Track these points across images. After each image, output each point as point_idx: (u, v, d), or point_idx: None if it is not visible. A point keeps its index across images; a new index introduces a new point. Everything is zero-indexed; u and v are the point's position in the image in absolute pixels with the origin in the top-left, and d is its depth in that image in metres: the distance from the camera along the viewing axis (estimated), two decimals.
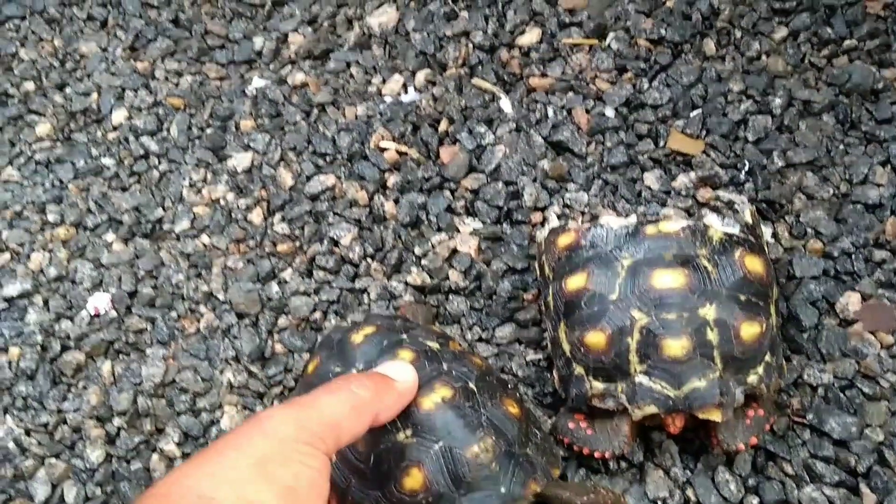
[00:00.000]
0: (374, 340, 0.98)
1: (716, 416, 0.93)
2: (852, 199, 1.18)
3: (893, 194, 1.16)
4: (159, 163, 1.39)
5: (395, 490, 0.87)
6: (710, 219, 1.01)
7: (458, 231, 1.24)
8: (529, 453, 0.91)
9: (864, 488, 0.97)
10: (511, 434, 0.90)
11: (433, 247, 1.22)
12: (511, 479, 0.87)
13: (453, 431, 0.87)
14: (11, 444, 1.14)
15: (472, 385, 0.92)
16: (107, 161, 1.40)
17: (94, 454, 1.12)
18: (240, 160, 1.35)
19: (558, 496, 0.91)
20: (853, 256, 1.13)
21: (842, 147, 1.22)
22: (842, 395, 1.03)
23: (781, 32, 1.33)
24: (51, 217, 1.35)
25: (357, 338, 0.99)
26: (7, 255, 1.33)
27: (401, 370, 0.88)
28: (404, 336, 0.99)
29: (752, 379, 0.94)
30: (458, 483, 0.86)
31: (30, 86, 1.52)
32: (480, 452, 0.87)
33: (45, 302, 1.27)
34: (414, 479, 0.86)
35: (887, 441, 0.99)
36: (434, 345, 0.98)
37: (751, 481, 1.00)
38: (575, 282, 1.00)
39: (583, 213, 1.21)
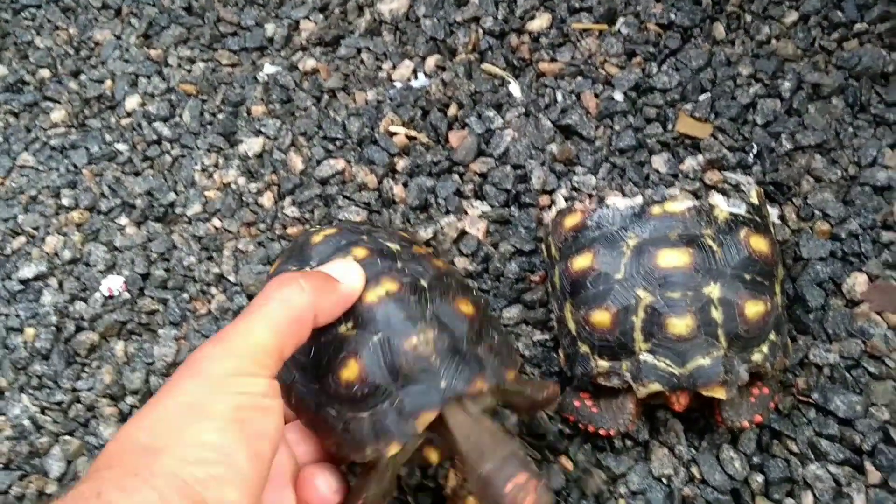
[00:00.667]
0: (332, 241, 0.95)
1: (720, 393, 0.93)
2: (860, 181, 1.18)
3: None
4: (172, 148, 1.40)
5: (331, 382, 0.83)
6: (716, 199, 1.02)
7: (467, 214, 1.25)
8: (479, 353, 0.86)
9: (868, 466, 0.97)
10: (459, 332, 0.85)
11: (441, 229, 1.23)
12: (453, 375, 0.82)
13: (393, 323, 0.83)
14: (27, 422, 1.16)
15: (423, 282, 0.88)
16: (120, 146, 1.42)
17: (108, 431, 1.14)
18: (251, 145, 1.36)
19: (520, 392, 0.90)
20: (860, 238, 1.13)
21: (850, 130, 1.22)
22: (847, 374, 1.03)
23: (792, 16, 1.33)
24: (65, 201, 1.37)
25: (316, 238, 0.97)
26: (23, 239, 1.35)
27: (346, 270, 0.84)
28: (364, 237, 0.95)
29: (756, 357, 0.95)
30: (395, 374, 0.81)
31: (45, 73, 1.54)
32: (419, 344, 0.82)
33: (60, 284, 1.29)
34: (350, 371, 0.82)
35: (893, 420, 1.00)
36: (394, 246, 0.94)
37: (755, 459, 1.00)
38: (581, 261, 1.01)
39: (590, 196, 1.21)
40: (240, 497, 0.64)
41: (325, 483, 0.81)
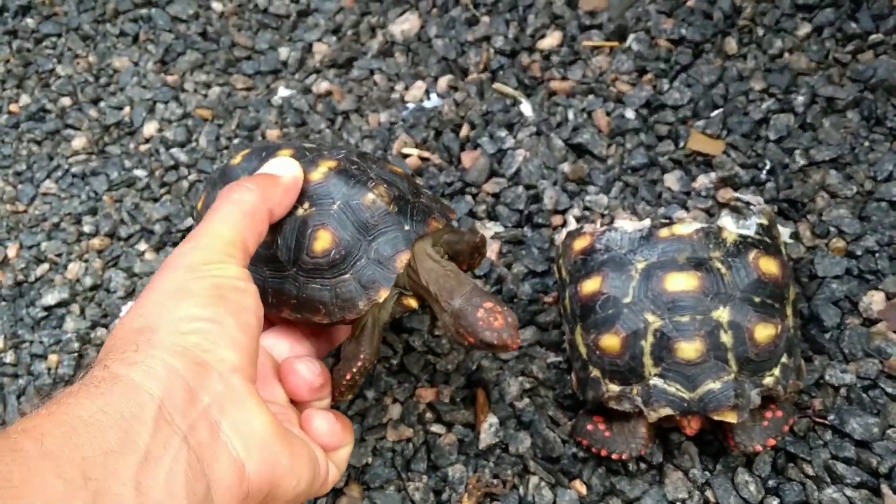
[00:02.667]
0: (253, 155, 1.00)
1: (731, 417, 0.93)
2: (876, 196, 1.16)
3: None
4: (189, 173, 1.42)
5: (308, 258, 0.89)
6: (725, 220, 1.01)
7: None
8: (424, 201, 0.95)
9: (885, 489, 0.96)
10: (402, 186, 0.94)
11: None
12: (412, 219, 0.91)
13: (346, 189, 0.90)
14: None
15: (354, 157, 0.95)
16: (139, 172, 1.44)
17: None
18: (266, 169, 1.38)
19: (461, 236, 1.00)
20: (877, 255, 1.11)
21: (866, 144, 1.21)
22: (864, 395, 1.02)
23: (805, 29, 1.32)
24: (86, 228, 1.40)
25: (236, 159, 1.02)
26: (46, 266, 1.37)
27: (282, 164, 0.89)
28: (280, 147, 1.00)
29: (768, 381, 0.94)
30: (363, 229, 0.89)
31: (66, 101, 1.57)
32: (376, 198, 0.90)
33: (82, 310, 1.31)
34: (323, 240, 0.88)
35: None
36: (310, 145, 1.01)
37: (771, 482, 0.99)
38: (590, 285, 1.01)
39: (602, 216, 1.21)
40: (238, 357, 0.71)
41: (306, 368, 0.87)
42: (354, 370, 0.92)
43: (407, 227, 0.90)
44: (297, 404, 0.88)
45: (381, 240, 0.89)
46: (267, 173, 0.88)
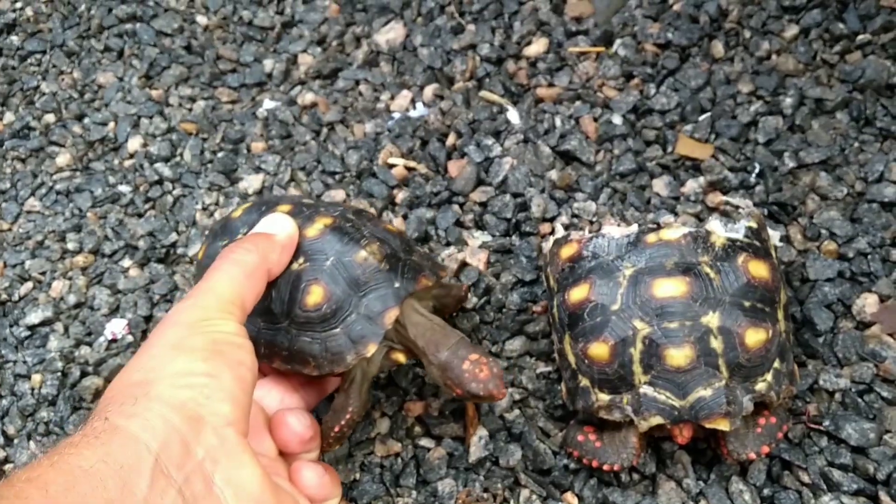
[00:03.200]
0: (253, 209, 1.05)
1: (723, 425, 0.91)
2: (867, 197, 1.15)
3: None
4: (173, 188, 1.41)
5: (300, 312, 0.93)
6: (713, 224, 0.99)
7: (467, 244, 1.23)
8: (415, 258, 0.99)
9: (883, 496, 0.94)
10: (394, 244, 0.98)
11: (443, 261, 1.22)
12: (402, 276, 0.95)
13: (340, 246, 0.94)
14: None
15: (349, 215, 0.99)
16: (123, 188, 1.43)
17: None
18: (251, 182, 1.37)
19: (448, 290, 1.07)
20: (869, 257, 1.10)
21: (856, 145, 1.20)
22: (860, 399, 1.00)
23: (792, 30, 1.31)
24: (70, 245, 1.38)
25: (236, 213, 1.06)
26: (30, 284, 1.36)
27: (278, 222, 0.93)
28: (279, 202, 1.04)
29: (760, 386, 0.92)
30: (354, 286, 0.93)
31: (50, 118, 1.56)
32: (368, 255, 0.94)
33: (66, 329, 1.29)
34: (315, 295, 0.92)
35: None
36: (309, 201, 1.05)
37: (766, 491, 0.97)
38: (577, 293, 0.99)
39: (591, 223, 1.20)
40: (232, 410, 0.73)
41: (296, 421, 0.89)
42: (343, 423, 0.95)
43: (397, 285, 0.94)
44: (286, 455, 0.91)
45: (371, 296, 0.93)
46: (265, 233, 0.92)
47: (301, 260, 0.94)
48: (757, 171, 1.19)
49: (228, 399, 0.73)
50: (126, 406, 0.69)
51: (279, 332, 0.95)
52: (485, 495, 1.02)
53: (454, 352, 0.91)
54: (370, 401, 0.98)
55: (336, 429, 0.95)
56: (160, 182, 1.42)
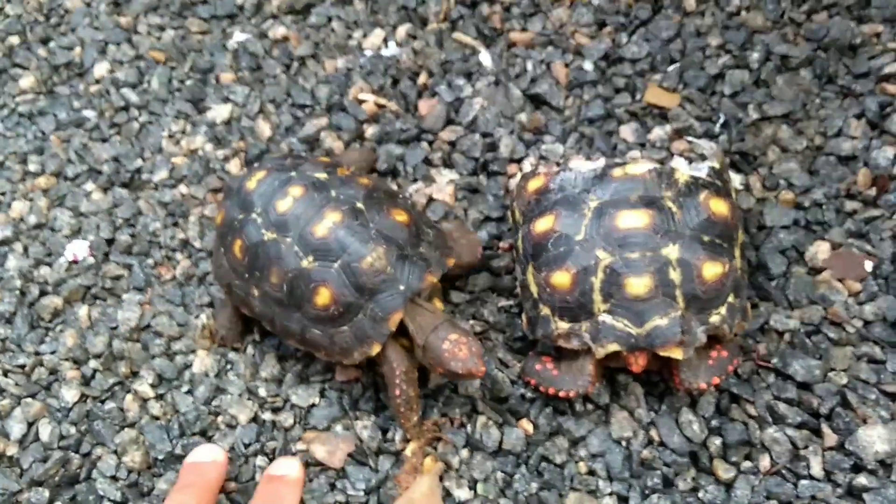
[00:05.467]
0: (267, 183, 1.07)
1: (677, 354, 0.93)
2: (826, 151, 1.18)
3: (867, 146, 1.17)
4: (139, 114, 1.39)
5: (310, 309, 1.00)
6: (677, 162, 1.02)
7: (435, 182, 1.24)
8: (422, 251, 1.02)
9: (826, 429, 0.98)
10: (401, 239, 1.01)
11: (410, 196, 1.23)
12: (408, 277, 0.99)
13: (347, 249, 0.98)
14: None
15: (359, 204, 1.02)
16: (88, 113, 1.41)
17: (70, 394, 1.12)
18: (219, 112, 1.36)
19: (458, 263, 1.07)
20: (824, 207, 1.13)
21: (818, 101, 1.23)
22: (807, 340, 1.04)
23: None
24: (32, 167, 1.36)
25: (251, 184, 1.08)
26: None
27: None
28: (293, 173, 1.07)
29: (714, 319, 0.95)
30: (361, 291, 0.97)
31: (14, 40, 1.52)
32: (374, 261, 0.97)
33: (25, 249, 1.28)
34: (323, 297, 0.98)
35: (851, 384, 1.00)
36: (322, 175, 1.07)
37: (714, 422, 1.01)
38: (543, 224, 1.01)
39: (557, 164, 1.21)
40: None
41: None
42: (400, 397, 0.99)
43: (402, 287, 0.98)
44: None
45: (377, 298, 0.98)
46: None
47: (311, 258, 0.99)
48: (721, 121, 1.21)
49: None
50: None
51: (292, 319, 1.02)
52: (442, 419, 1.04)
53: (436, 333, 0.96)
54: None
55: (402, 409, 1.00)
56: (126, 108, 1.40)
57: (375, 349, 0.98)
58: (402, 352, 1.01)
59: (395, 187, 1.24)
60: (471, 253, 1.10)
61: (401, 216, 1.03)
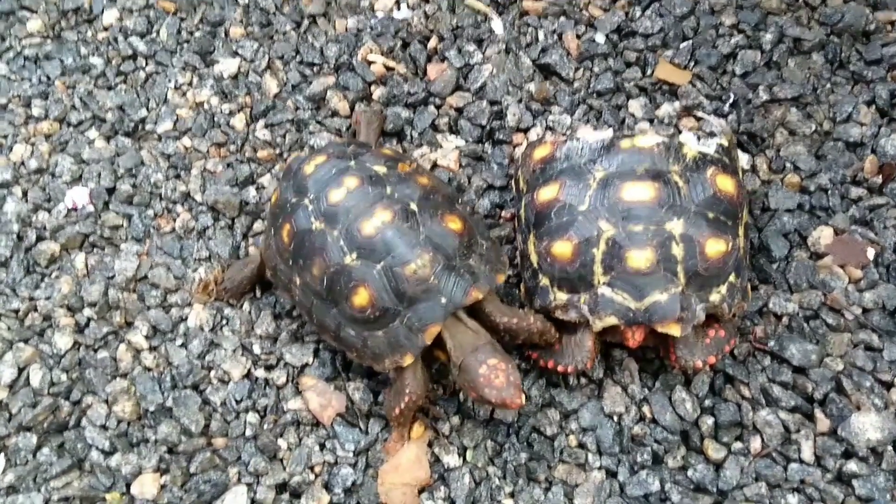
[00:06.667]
0: (324, 169, 1.03)
1: (675, 330, 0.93)
2: (834, 136, 1.17)
3: (875, 134, 1.16)
4: (146, 64, 1.38)
5: (347, 308, 0.96)
6: (686, 137, 1.01)
7: (440, 147, 1.23)
8: (472, 263, 0.97)
9: (819, 414, 0.98)
10: (451, 248, 0.96)
11: (415, 161, 1.22)
12: (452, 290, 0.93)
13: (392, 251, 0.93)
14: None
15: (413, 206, 0.97)
16: (95, 60, 1.39)
17: (63, 341, 1.12)
18: (227, 66, 1.34)
19: (500, 312, 0.98)
20: (829, 192, 1.13)
21: (828, 86, 1.22)
22: (805, 324, 1.04)
23: None
24: (35, 111, 1.35)
25: (308, 168, 1.05)
26: None
27: None
28: (352, 163, 1.03)
29: (714, 297, 0.95)
30: (401, 297, 0.93)
31: None
32: (418, 269, 0.93)
33: (24, 193, 1.27)
34: (361, 297, 0.94)
35: (846, 371, 1.00)
36: (381, 168, 1.03)
37: (707, 402, 1.01)
38: (547, 193, 1.00)
39: (564, 135, 1.21)
40: None
41: None
42: (403, 406, 0.96)
43: (444, 300, 0.93)
44: None
45: (416, 308, 0.93)
46: None
47: (354, 255, 0.95)
48: (731, 100, 1.20)
49: None
50: None
51: (328, 314, 0.99)
52: (435, 386, 1.04)
53: (475, 355, 0.92)
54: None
55: (397, 410, 0.96)
56: (133, 57, 1.39)
57: (408, 360, 0.94)
58: (423, 377, 0.96)
59: (399, 150, 1.23)
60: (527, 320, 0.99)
61: (455, 224, 0.98)
